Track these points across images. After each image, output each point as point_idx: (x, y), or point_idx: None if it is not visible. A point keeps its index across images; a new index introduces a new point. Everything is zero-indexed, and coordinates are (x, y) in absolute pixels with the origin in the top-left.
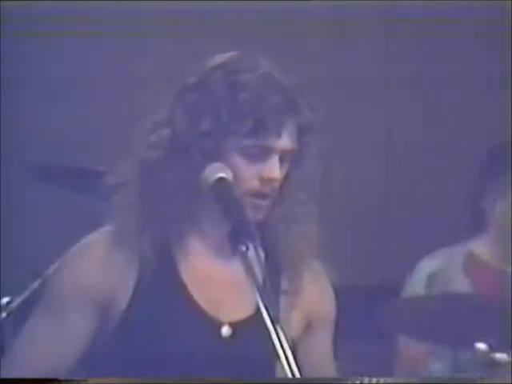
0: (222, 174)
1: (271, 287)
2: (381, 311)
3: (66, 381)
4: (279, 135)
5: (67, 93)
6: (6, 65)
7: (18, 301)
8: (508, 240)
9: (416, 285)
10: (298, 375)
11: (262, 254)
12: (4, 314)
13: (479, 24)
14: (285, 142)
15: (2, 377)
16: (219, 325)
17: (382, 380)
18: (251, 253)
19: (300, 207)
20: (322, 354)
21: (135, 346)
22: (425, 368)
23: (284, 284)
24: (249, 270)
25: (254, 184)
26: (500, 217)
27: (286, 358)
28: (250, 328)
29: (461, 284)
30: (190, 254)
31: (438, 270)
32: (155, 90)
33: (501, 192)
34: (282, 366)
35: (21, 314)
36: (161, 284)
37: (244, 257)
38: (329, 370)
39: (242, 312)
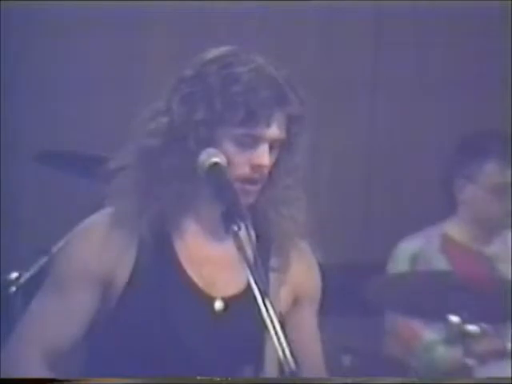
0: (216, 159)
1: (261, 265)
2: (365, 288)
3: (65, 381)
4: (269, 125)
5: (70, 82)
6: (11, 51)
7: (26, 276)
8: (478, 222)
9: (399, 263)
10: (286, 347)
11: (252, 234)
12: (13, 289)
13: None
14: (274, 131)
15: (3, 376)
16: (212, 300)
17: (381, 380)
18: (243, 233)
19: (287, 191)
20: (308, 328)
21: (134, 322)
22: (415, 344)
23: (273, 262)
24: (240, 248)
25: (245, 170)
26: (469, 200)
27: (275, 330)
28: (242, 303)
29: (438, 262)
30: (185, 234)
31: (418, 250)
32: (154, 81)
33: (468, 177)
34: (272, 339)
35: (29, 289)
36: (158, 262)
37: (236, 236)
38: (315, 342)
39: (234, 287)
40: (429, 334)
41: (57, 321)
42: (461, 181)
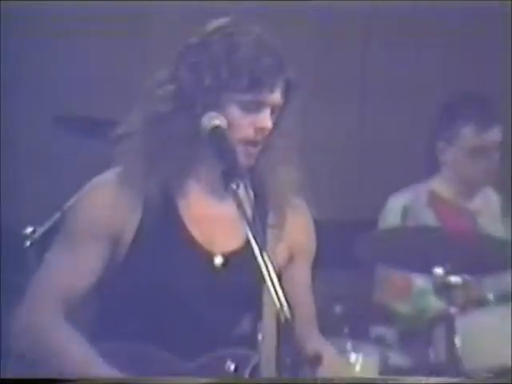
0: (217, 122)
1: (259, 222)
2: (357, 241)
3: (65, 381)
4: (272, 91)
5: (82, 48)
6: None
7: (40, 231)
8: (460, 180)
9: (389, 218)
10: (282, 298)
11: (251, 193)
12: (28, 243)
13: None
14: (276, 96)
15: (4, 377)
16: (213, 255)
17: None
18: (241, 191)
19: (284, 153)
20: (302, 280)
21: (139, 277)
22: (406, 292)
23: (270, 219)
24: (239, 206)
25: (248, 133)
26: (450, 161)
27: (272, 283)
28: (240, 258)
29: (425, 217)
30: (188, 194)
31: (407, 205)
32: (162, 49)
33: (448, 140)
34: (269, 291)
35: (43, 243)
36: (162, 220)
37: (235, 194)
38: (308, 294)
39: (233, 243)
40: (420, 283)
41: (69, 273)
42: (442, 144)
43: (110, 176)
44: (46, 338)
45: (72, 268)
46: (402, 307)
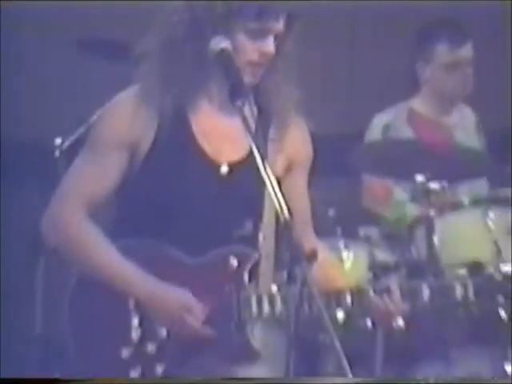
0: (223, 45)
1: (262, 135)
2: (347, 153)
3: (67, 381)
4: (277, 20)
5: None
6: None
7: (67, 142)
8: (438, 96)
9: (374, 133)
10: (282, 202)
11: (255, 109)
12: (57, 153)
13: None
14: (280, 25)
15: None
16: (219, 164)
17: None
18: (246, 108)
19: (285, 74)
20: (299, 188)
21: (153, 184)
22: (387, 200)
23: (272, 133)
24: (244, 121)
25: (254, 56)
26: (429, 78)
27: (273, 189)
28: (244, 167)
29: (405, 132)
30: (198, 110)
31: (389, 122)
32: None
33: (426, 60)
34: (269, 196)
35: (71, 153)
36: (174, 134)
37: (240, 110)
38: (305, 199)
39: (238, 154)
40: (399, 191)
41: (93, 178)
42: (420, 63)
43: (129, 94)
44: (70, 233)
45: (95, 173)
46: (385, 211)
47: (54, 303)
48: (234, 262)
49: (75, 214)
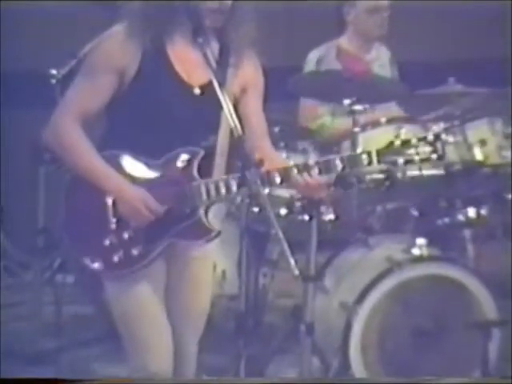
0: None
1: (223, 64)
2: (289, 83)
3: (66, 381)
4: None
5: None
6: None
7: (61, 72)
8: (360, 36)
9: (309, 66)
10: (235, 120)
11: (215, 46)
12: (54, 81)
13: None
14: None
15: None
16: (193, 86)
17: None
18: (206, 45)
19: (245, 15)
20: (254, 108)
21: (139, 102)
22: (315, 117)
23: (231, 62)
24: (205, 55)
25: (215, 4)
26: (353, 20)
27: (229, 110)
28: (212, 89)
29: (334, 66)
30: (175, 43)
31: (321, 57)
32: None
33: (352, 5)
34: (227, 119)
35: (64, 83)
36: (155, 63)
37: (201, 47)
38: (260, 116)
39: (207, 78)
40: (325, 110)
41: (88, 95)
42: (347, 7)
43: (118, 29)
44: (65, 138)
45: (89, 92)
46: (314, 126)
47: (53, 201)
48: (185, 156)
49: (71, 124)
